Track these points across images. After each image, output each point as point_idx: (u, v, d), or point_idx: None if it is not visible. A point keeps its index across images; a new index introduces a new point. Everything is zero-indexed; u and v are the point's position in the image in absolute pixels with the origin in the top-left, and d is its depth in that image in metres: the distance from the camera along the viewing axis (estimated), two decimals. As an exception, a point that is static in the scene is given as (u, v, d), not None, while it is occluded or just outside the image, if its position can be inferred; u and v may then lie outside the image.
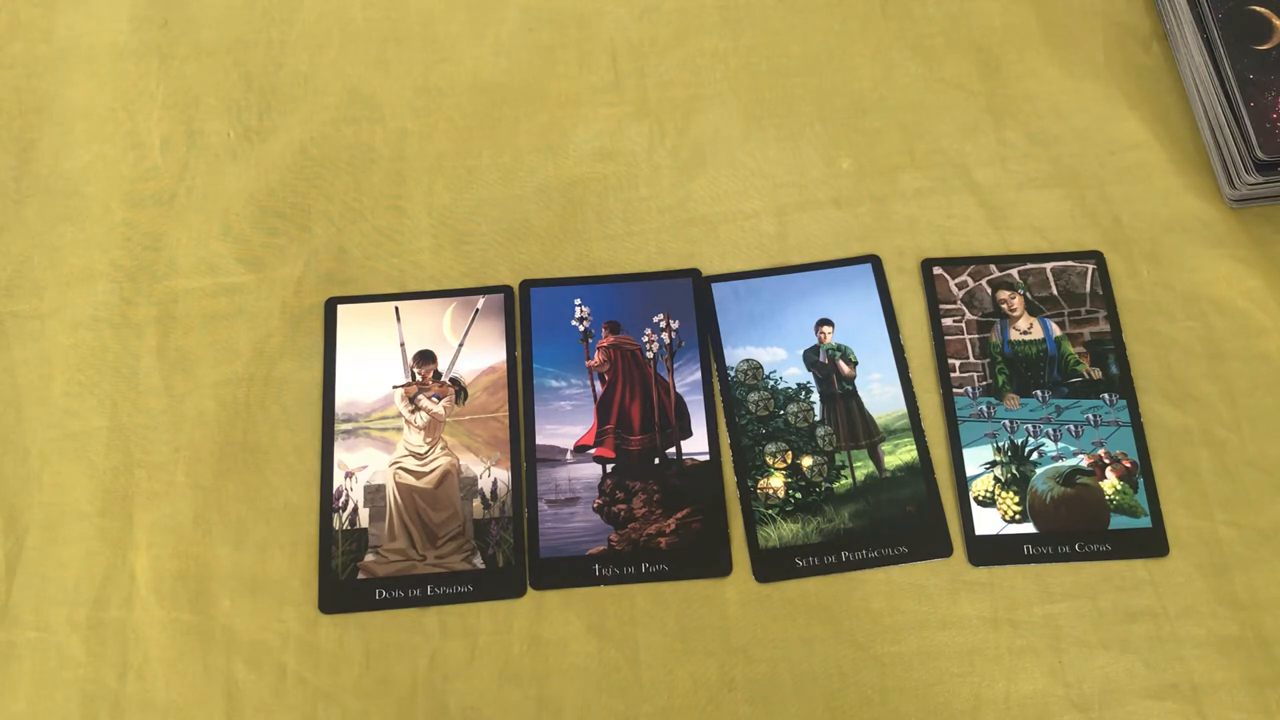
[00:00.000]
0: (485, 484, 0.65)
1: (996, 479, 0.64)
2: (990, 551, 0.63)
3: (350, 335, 0.68)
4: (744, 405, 0.67)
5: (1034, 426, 0.66)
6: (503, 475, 0.65)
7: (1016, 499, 0.64)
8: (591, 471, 0.65)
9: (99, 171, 0.73)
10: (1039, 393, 0.66)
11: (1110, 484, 0.64)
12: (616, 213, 0.72)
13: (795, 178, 0.73)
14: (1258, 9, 0.71)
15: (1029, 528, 0.63)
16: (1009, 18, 0.77)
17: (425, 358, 0.68)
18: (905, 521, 0.63)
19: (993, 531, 0.63)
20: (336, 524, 0.64)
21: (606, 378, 0.68)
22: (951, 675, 0.60)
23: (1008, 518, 0.63)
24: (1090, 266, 0.69)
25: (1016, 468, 0.65)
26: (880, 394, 0.67)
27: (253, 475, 0.65)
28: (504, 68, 0.76)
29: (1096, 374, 0.67)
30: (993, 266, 0.69)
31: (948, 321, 0.68)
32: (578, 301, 0.69)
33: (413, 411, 0.67)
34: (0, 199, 0.73)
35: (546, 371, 0.68)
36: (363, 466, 0.65)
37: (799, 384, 0.67)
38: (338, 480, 0.65)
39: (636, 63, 0.76)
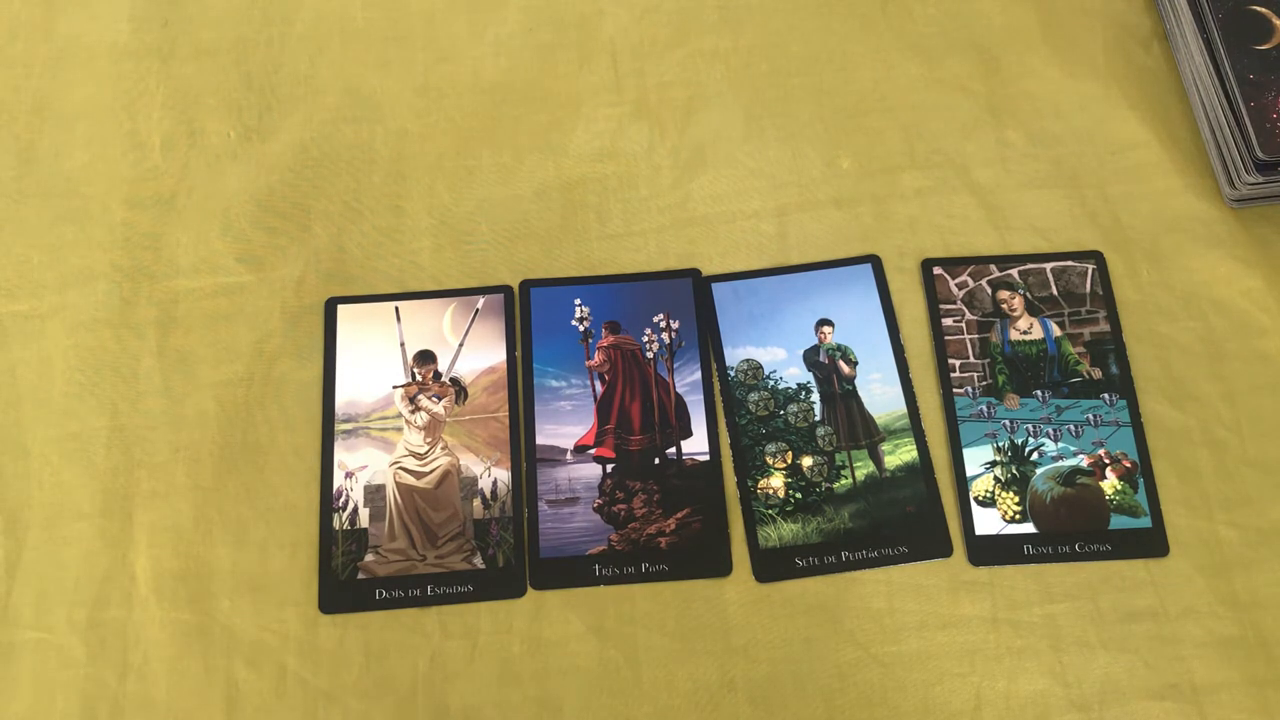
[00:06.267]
0: (485, 484, 0.65)
1: (996, 479, 0.64)
2: (990, 551, 0.63)
3: (350, 335, 0.68)
4: (744, 405, 0.67)
5: (1034, 426, 0.66)
6: (503, 475, 0.65)
7: (1016, 499, 0.64)
8: (591, 471, 0.65)
9: (99, 171, 0.73)
10: (1039, 393, 0.66)
11: (1110, 484, 0.64)
12: (616, 213, 0.72)
13: (795, 178, 0.73)
14: (1258, 9, 0.71)
15: (1029, 528, 0.63)
16: (1009, 18, 0.77)
17: (425, 358, 0.68)
18: (905, 521, 0.63)
19: (993, 531, 0.63)
20: (336, 524, 0.64)
21: (606, 378, 0.68)
22: (952, 675, 0.60)
23: (1008, 518, 0.63)
24: (1090, 266, 0.69)
25: (1016, 468, 0.65)
26: (880, 394, 0.67)
27: (253, 475, 0.65)
28: (504, 68, 0.76)
29: (1096, 374, 0.67)
30: (993, 266, 0.69)
31: (948, 321, 0.68)
32: (578, 301, 0.69)
33: (413, 411, 0.67)
34: (0, 199, 0.73)
35: (546, 371, 0.68)
36: (363, 466, 0.65)
37: (799, 384, 0.67)
38: (338, 480, 0.65)
39: (636, 63, 0.76)
